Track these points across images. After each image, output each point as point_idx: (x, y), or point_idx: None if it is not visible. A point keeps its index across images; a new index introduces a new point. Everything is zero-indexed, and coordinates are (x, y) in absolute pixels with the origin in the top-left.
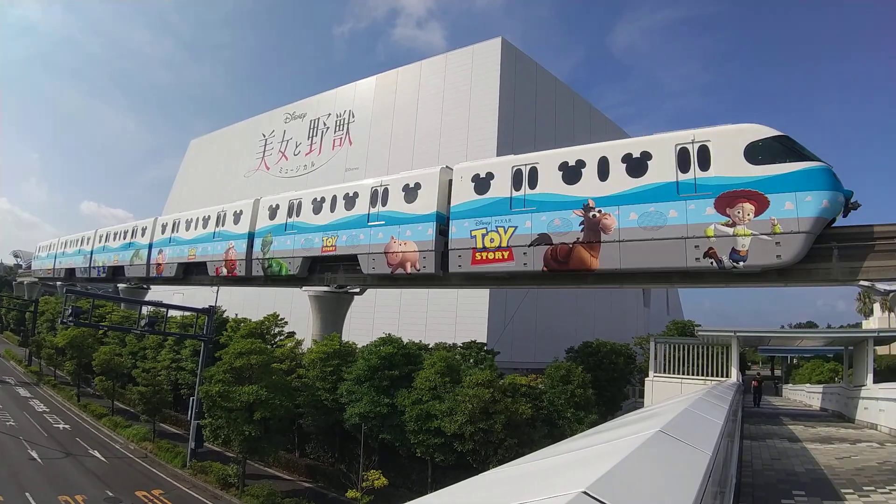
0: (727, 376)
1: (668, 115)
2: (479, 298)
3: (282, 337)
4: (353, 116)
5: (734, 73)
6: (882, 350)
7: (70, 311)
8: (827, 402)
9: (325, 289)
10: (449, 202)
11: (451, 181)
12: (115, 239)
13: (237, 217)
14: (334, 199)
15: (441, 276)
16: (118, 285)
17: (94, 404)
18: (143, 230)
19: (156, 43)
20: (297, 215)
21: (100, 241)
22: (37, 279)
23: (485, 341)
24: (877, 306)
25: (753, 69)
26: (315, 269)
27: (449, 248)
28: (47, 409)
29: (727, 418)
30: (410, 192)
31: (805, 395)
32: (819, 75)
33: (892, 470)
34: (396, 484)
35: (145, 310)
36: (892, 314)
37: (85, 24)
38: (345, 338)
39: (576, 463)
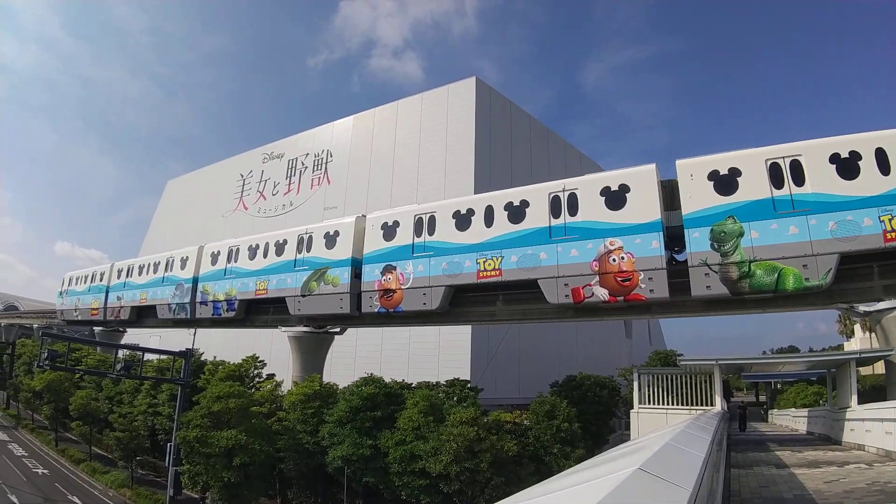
0: (712, 405)
1: (638, 149)
2: (461, 335)
3: (261, 379)
4: (331, 156)
5: (697, 107)
6: (866, 370)
7: (46, 354)
8: (813, 426)
9: (305, 329)
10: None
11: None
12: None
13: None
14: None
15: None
16: (94, 328)
17: (72, 449)
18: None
19: (132, 83)
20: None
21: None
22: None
23: (468, 378)
24: (857, 327)
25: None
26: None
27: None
28: (26, 454)
29: (710, 449)
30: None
31: (791, 419)
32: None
33: (881, 490)
34: None
35: (121, 353)
36: (874, 334)
37: (61, 63)
38: (326, 378)
39: None
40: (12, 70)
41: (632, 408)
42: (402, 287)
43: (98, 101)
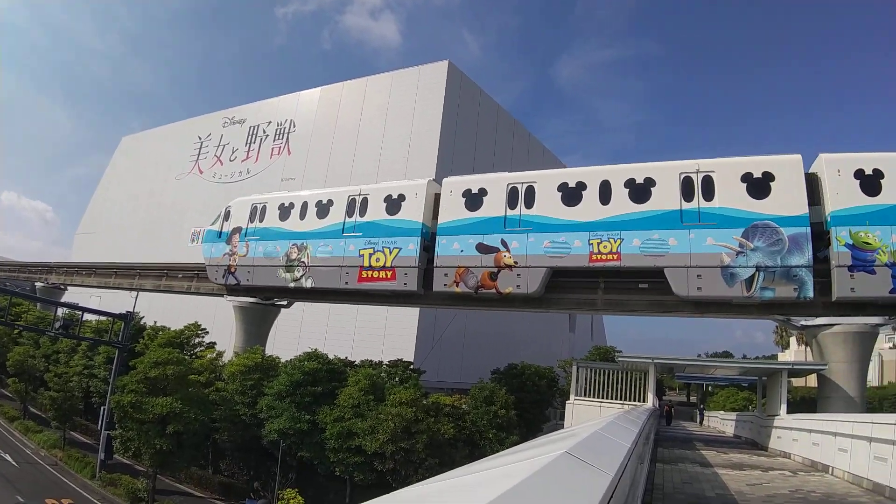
0: (644, 401)
1: (608, 150)
2: (408, 316)
3: (202, 348)
4: (294, 126)
5: (667, 113)
6: (798, 382)
7: None
8: (740, 430)
9: (251, 300)
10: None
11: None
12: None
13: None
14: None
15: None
16: (35, 283)
17: (7, 406)
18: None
19: (100, 36)
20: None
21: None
22: None
23: (412, 360)
24: (793, 340)
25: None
26: None
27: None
28: None
29: (636, 441)
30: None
31: (719, 421)
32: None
33: (804, 499)
34: (314, 503)
35: (61, 311)
36: (809, 348)
37: (30, 11)
38: (268, 351)
39: (477, 484)
40: None
41: (568, 399)
42: (492, 266)
43: (63, 51)
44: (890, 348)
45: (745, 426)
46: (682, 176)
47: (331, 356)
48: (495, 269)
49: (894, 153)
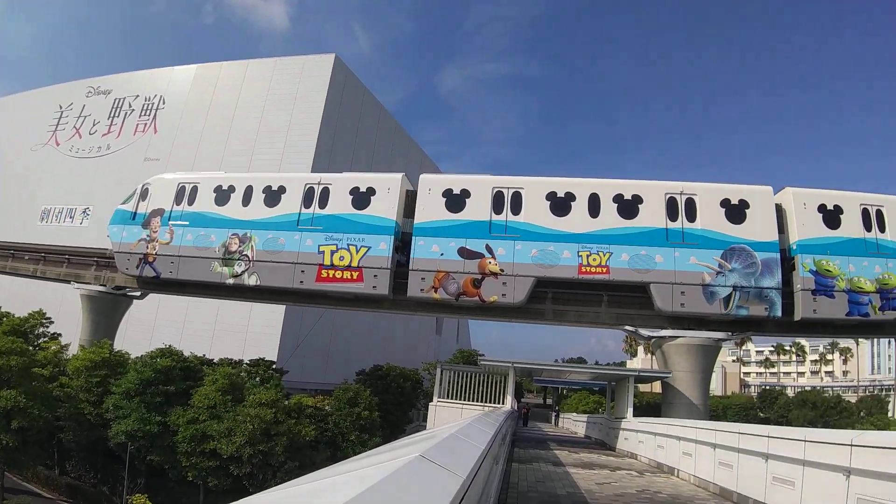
0: (503, 403)
1: (487, 161)
2: (273, 314)
3: (45, 339)
4: (164, 103)
5: (546, 130)
6: (644, 388)
7: None
8: (591, 431)
9: (101, 288)
10: None
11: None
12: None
13: None
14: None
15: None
16: None
17: None
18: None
19: None
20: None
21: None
22: None
23: (275, 359)
24: (641, 349)
25: (564, 131)
26: None
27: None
28: None
29: (491, 443)
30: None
31: (572, 422)
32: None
33: (650, 499)
34: None
35: None
36: (654, 357)
37: None
38: (118, 345)
39: (330, 488)
40: None
41: (431, 401)
42: (476, 272)
43: None
44: (733, 361)
45: (596, 427)
46: (668, 196)
47: (187, 353)
48: (479, 276)
49: (853, 192)
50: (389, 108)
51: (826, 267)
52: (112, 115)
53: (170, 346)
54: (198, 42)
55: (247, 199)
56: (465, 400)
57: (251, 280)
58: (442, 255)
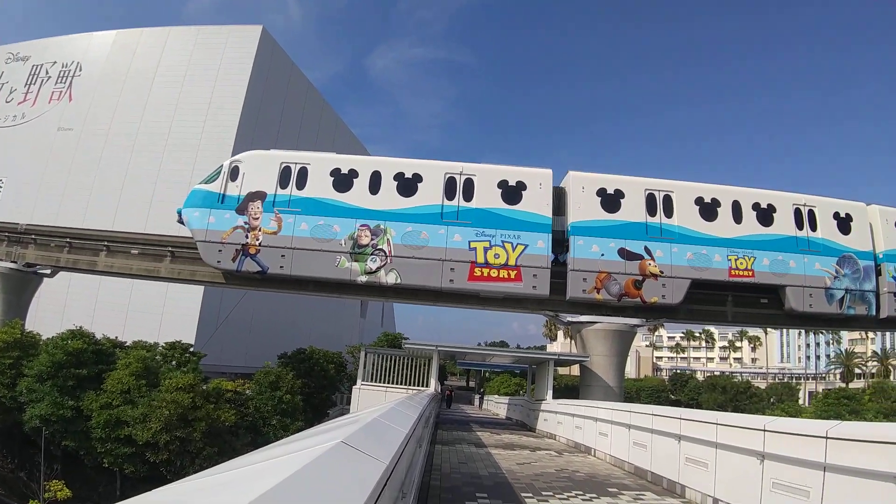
0: (427, 386)
1: (413, 145)
2: (190, 294)
3: None
4: (81, 69)
5: (474, 118)
6: (563, 371)
7: None
8: (512, 413)
9: (11, 266)
10: None
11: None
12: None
13: None
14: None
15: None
16: None
17: None
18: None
19: None
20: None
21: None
22: None
23: (192, 342)
24: (561, 333)
25: (491, 119)
26: None
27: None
28: None
29: (414, 426)
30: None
31: (494, 404)
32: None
33: (568, 478)
34: (82, 497)
35: None
36: (573, 341)
37: None
38: (29, 326)
39: (246, 478)
40: None
41: (355, 384)
42: (636, 273)
43: None
44: (646, 346)
45: (517, 409)
46: (794, 207)
47: (99, 335)
48: (640, 278)
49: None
50: (318, 86)
51: None
52: (29, 82)
53: (81, 327)
54: (117, 4)
55: (375, 185)
56: (389, 383)
57: (390, 278)
58: (602, 255)
